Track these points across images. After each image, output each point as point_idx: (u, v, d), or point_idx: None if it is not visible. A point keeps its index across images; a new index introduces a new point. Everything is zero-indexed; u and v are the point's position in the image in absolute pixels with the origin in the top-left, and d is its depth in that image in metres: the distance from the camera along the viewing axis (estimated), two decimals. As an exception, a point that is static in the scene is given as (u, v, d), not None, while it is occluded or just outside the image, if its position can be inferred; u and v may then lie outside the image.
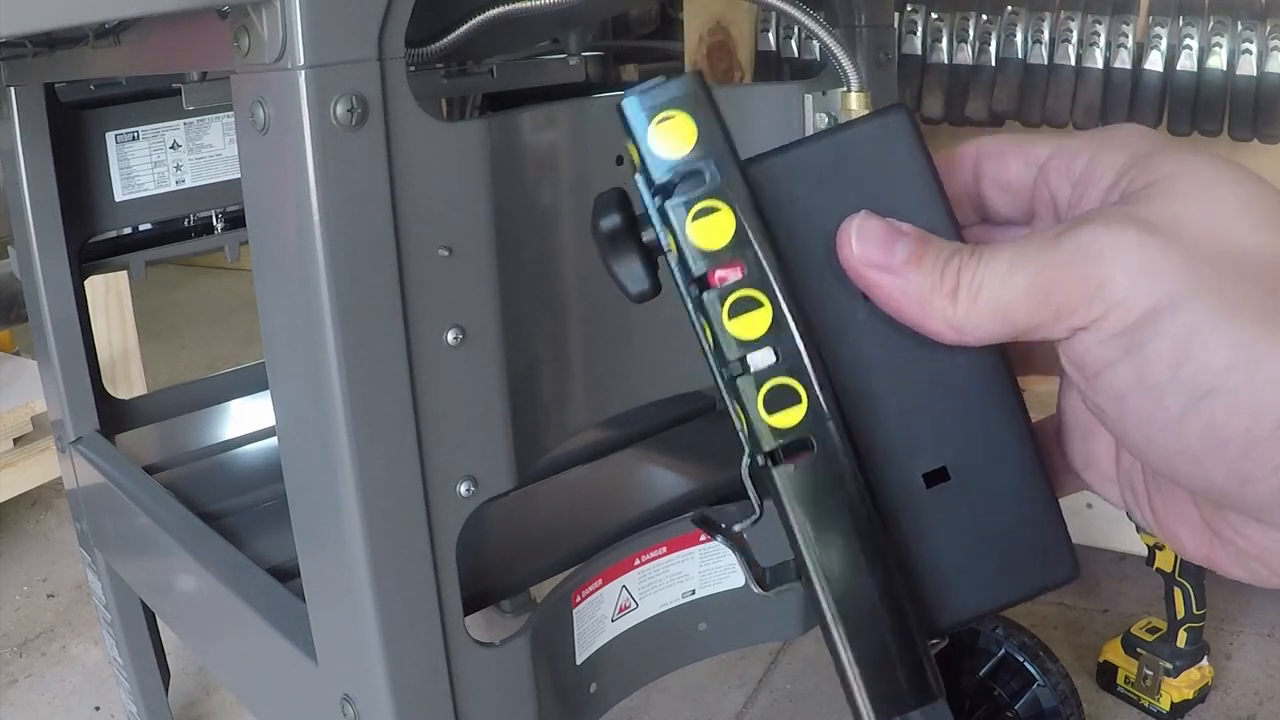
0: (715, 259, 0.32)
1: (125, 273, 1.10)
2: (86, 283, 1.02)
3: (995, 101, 1.41)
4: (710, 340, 0.32)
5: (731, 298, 0.32)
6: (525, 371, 0.66)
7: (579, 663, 0.76)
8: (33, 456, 1.53)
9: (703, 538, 0.82)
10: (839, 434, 0.32)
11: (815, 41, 0.72)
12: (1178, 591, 1.19)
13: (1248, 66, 1.29)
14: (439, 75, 0.92)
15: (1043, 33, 1.38)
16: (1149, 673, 1.22)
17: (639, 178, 0.32)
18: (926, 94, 1.44)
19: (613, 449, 0.97)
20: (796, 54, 1.52)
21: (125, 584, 1.05)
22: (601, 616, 0.78)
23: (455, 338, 0.59)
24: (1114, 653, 1.26)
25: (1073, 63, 1.36)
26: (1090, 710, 1.22)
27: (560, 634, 0.74)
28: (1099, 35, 1.35)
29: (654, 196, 0.32)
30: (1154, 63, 1.33)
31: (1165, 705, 1.21)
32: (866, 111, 0.74)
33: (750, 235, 0.32)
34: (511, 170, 0.63)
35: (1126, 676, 1.25)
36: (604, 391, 0.75)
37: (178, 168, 1.08)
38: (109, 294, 1.69)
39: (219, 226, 1.12)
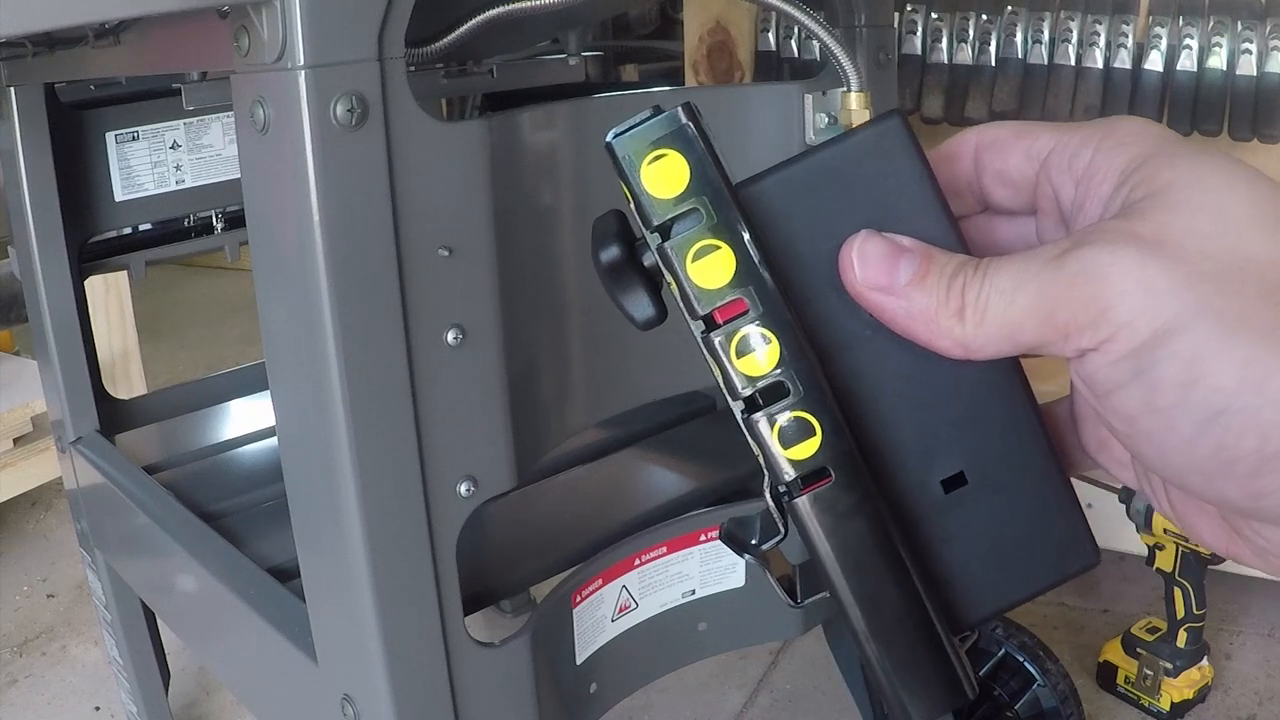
0: (718, 297, 0.31)
1: (125, 273, 1.10)
2: (86, 283, 1.02)
3: (995, 101, 1.41)
4: (720, 376, 0.32)
5: (737, 336, 0.31)
6: (525, 371, 0.66)
7: (579, 663, 0.76)
8: (33, 456, 1.53)
9: (703, 538, 0.82)
10: (855, 461, 0.32)
11: (815, 41, 0.72)
12: (1178, 591, 1.19)
13: (1248, 66, 1.29)
14: (439, 75, 0.92)
15: (1043, 33, 1.38)
16: (1149, 673, 1.22)
17: (635, 215, 0.32)
18: (926, 94, 1.44)
19: (613, 449, 0.97)
20: (796, 54, 1.52)
21: (125, 584, 1.05)
22: (601, 616, 0.78)
23: (455, 338, 0.59)
24: (1114, 653, 1.26)
25: (1073, 63, 1.37)
26: (1090, 710, 1.22)
27: (560, 634, 0.74)
28: (1099, 35, 1.35)
29: (652, 234, 0.32)
30: (1154, 63, 1.33)
31: (1165, 705, 1.21)
32: (866, 110, 0.74)
33: (751, 272, 0.31)
34: (511, 170, 0.63)
35: (1126, 676, 1.25)
36: (604, 391, 0.75)
37: (178, 168, 1.08)
38: (109, 294, 1.69)
39: (219, 226, 1.12)
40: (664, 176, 0.31)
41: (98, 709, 1.30)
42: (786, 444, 0.32)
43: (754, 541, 0.34)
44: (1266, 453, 0.28)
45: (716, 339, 0.32)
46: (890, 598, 0.33)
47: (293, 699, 0.75)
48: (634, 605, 0.80)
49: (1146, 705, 1.23)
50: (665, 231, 0.31)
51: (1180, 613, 1.19)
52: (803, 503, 0.32)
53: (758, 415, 0.32)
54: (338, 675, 0.65)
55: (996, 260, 0.31)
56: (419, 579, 0.61)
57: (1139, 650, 1.23)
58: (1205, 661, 1.23)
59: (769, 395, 0.32)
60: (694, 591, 0.83)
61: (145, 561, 0.99)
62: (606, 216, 0.33)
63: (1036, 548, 0.35)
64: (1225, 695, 1.26)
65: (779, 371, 0.32)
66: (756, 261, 0.31)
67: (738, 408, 0.32)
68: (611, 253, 0.32)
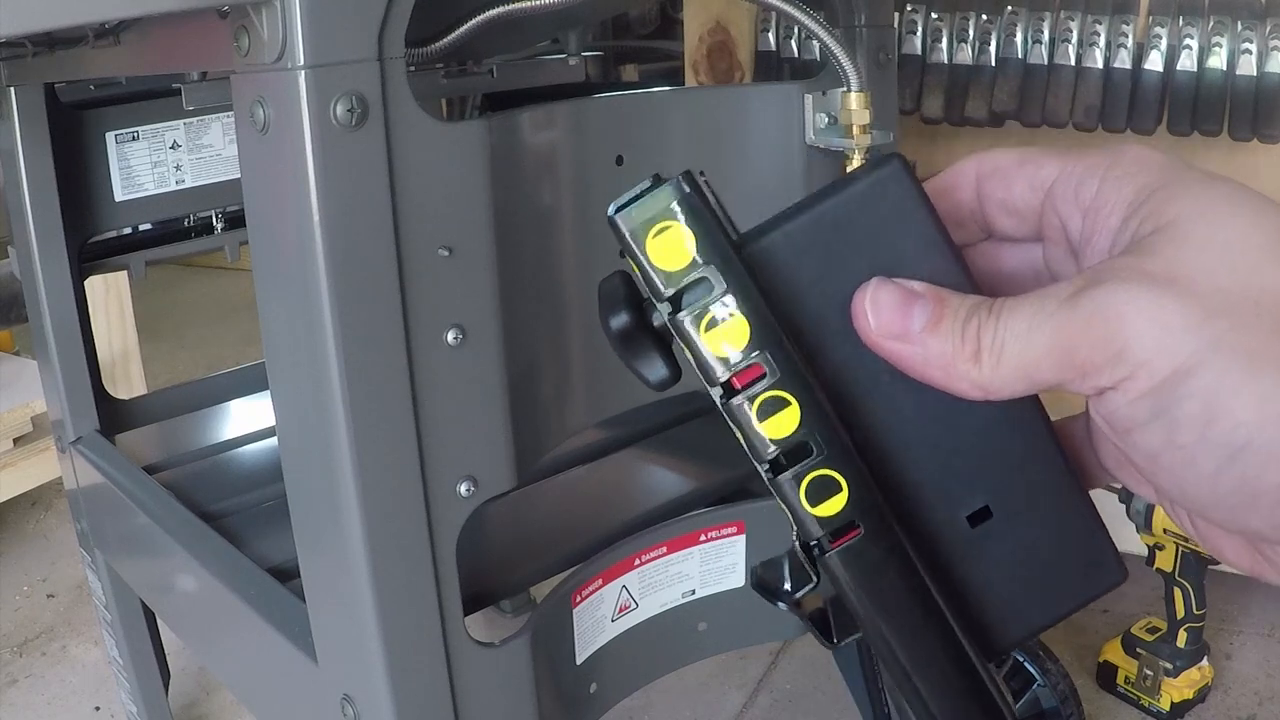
0: (735, 365, 0.31)
1: (125, 273, 1.10)
2: (86, 283, 1.02)
3: (995, 101, 1.41)
4: (743, 440, 0.32)
5: (758, 401, 0.32)
6: (525, 371, 0.66)
7: (579, 663, 0.76)
8: (33, 456, 1.53)
9: (703, 538, 0.82)
10: (882, 511, 0.32)
11: (815, 41, 0.72)
12: (1178, 591, 1.19)
13: (1248, 66, 1.29)
14: (439, 75, 0.92)
15: (1043, 33, 1.38)
16: (1149, 673, 1.22)
17: (642, 286, 0.32)
18: (926, 94, 1.44)
19: (613, 449, 0.97)
20: (796, 54, 1.52)
21: (125, 584, 1.05)
22: (601, 616, 0.78)
23: (455, 338, 0.59)
24: (1114, 653, 1.26)
25: (1073, 63, 1.36)
26: (1090, 710, 1.22)
27: (560, 634, 0.74)
28: (1099, 35, 1.35)
29: (662, 305, 0.32)
30: (1154, 63, 1.33)
31: (1165, 705, 1.21)
32: (866, 110, 0.74)
33: (766, 335, 0.31)
34: (511, 170, 0.63)
35: (1126, 676, 1.25)
36: (604, 391, 0.75)
37: (178, 168, 1.08)
38: (109, 294, 1.69)
39: (219, 226, 1.12)
40: (669, 249, 0.31)
41: (98, 709, 1.30)
42: (814, 502, 0.32)
43: (787, 589, 0.35)
44: None
45: (736, 404, 0.32)
46: (926, 638, 0.33)
47: (293, 699, 0.75)
48: (634, 605, 0.80)
49: (1146, 705, 1.23)
50: (675, 302, 0.31)
51: (1180, 613, 1.19)
52: (834, 557, 0.32)
53: (784, 476, 0.32)
54: (338, 675, 0.65)
55: (1010, 302, 0.31)
56: (419, 579, 0.61)
57: (1139, 650, 1.23)
58: (1205, 661, 1.23)
59: (793, 455, 0.32)
60: (694, 591, 0.83)
61: (145, 561, 0.99)
62: (612, 280, 0.33)
63: (1064, 570, 0.35)
64: (1225, 695, 1.26)
65: (802, 431, 0.32)
66: (770, 324, 0.31)
67: (763, 469, 0.32)
68: (621, 320, 0.32)
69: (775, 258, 0.33)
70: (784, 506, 0.33)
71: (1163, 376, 0.28)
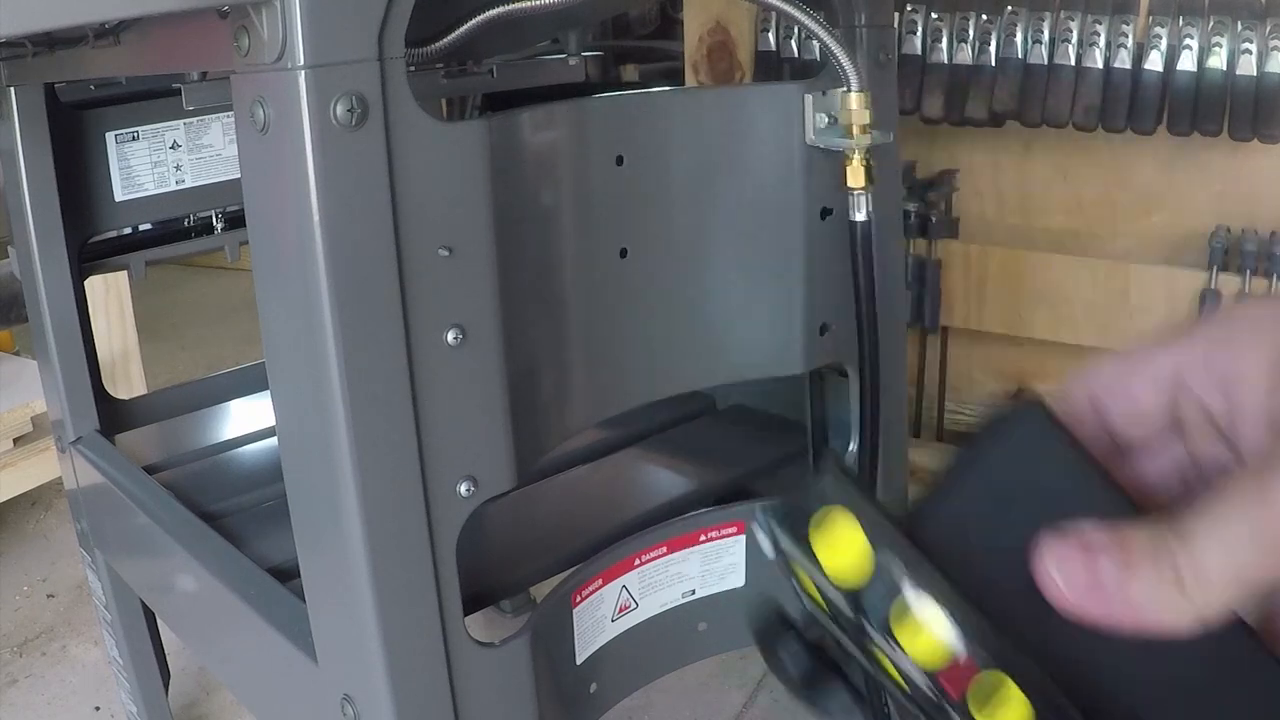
0: (945, 671, 0.28)
1: (125, 273, 1.10)
2: (86, 283, 1.02)
3: (995, 101, 1.41)
4: None
5: (990, 703, 0.28)
6: (525, 371, 0.66)
7: (579, 663, 0.76)
8: (33, 456, 1.53)
9: (703, 538, 0.82)
10: None
11: (815, 41, 0.72)
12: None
13: (1248, 66, 1.29)
14: (439, 75, 0.92)
15: (1043, 33, 1.38)
16: (1149, 673, 1.22)
17: (807, 603, 0.30)
18: (926, 94, 1.45)
19: (613, 449, 0.97)
20: (796, 54, 1.52)
21: (125, 584, 1.05)
22: (601, 616, 0.78)
23: (455, 338, 0.59)
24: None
25: (1073, 63, 1.37)
26: (1090, 710, 1.22)
27: (560, 634, 0.74)
28: (1099, 35, 1.35)
29: (842, 627, 0.29)
30: (1154, 63, 1.33)
31: (1165, 705, 1.21)
32: (866, 110, 0.74)
33: (971, 630, 0.28)
34: (511, 170, 0.63)
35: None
36: (604, 392, 0.75)
37: (178, 168, 1.08)
38: (109, 294, 1.69)
39: (219, 226, 1.12)
40: (842, 562, 0.28)
41: (98, 709, 1.30)
42: None
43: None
44: None
45: (959, 713, 0.29)
46: None
47: (293, 699, 0.75)
48: (634, 605, 0.80)
49: (1146, 705, 1.23)
50: (859, 628, 0.29)
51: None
52: None
53: None
54: (338, 675, 0.65)
55: (1190, 515, 0.28)
56: (419, 579, 0.61)
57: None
58: (1205, 662, 1.22)
59: None
60: (694, 591, 0.83)
61: (145, 561, 0.99)
62: (772, 621, 0.31)
63: None
64: (1225, 695, 1.26)
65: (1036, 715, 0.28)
66: (973, 619, 0.29)
67: None
68: (805, 665, 0.30)
69: (941, 539, 0.30)
70: None
71: None
